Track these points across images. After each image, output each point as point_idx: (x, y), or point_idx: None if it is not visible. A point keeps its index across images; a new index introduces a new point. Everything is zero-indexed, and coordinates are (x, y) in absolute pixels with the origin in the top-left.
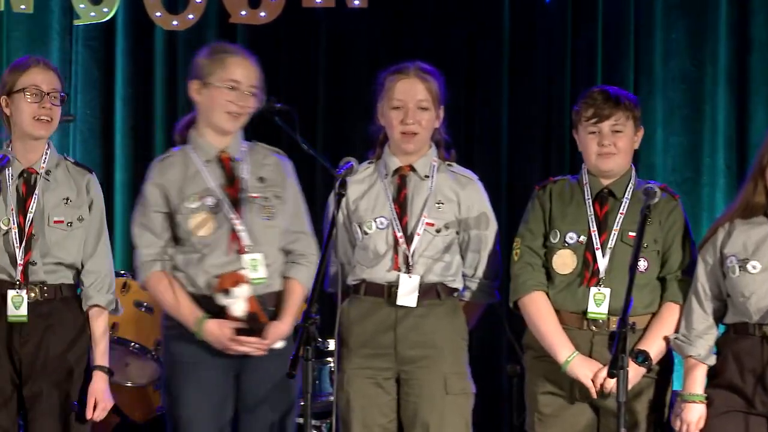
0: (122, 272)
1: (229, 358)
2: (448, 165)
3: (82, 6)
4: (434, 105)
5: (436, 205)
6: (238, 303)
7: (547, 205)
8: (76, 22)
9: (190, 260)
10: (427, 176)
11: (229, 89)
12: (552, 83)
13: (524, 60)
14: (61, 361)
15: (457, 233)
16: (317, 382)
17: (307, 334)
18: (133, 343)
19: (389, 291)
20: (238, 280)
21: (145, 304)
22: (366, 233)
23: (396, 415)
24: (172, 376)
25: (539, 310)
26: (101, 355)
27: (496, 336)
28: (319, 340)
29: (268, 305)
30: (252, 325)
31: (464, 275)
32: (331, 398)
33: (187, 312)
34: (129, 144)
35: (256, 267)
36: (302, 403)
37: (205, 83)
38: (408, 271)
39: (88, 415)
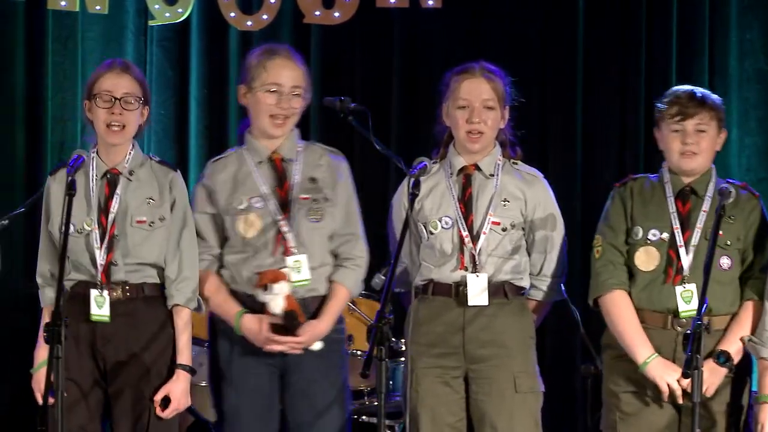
0: None
1: (272, 356)
2: (514, 164)
3: (156, 6)
4: (499, 105)
5: (502, 203)
6: (276, 300)
7: (628, 202)
8: (151, 23)
9: (237, 260)
10: (492, 175)
11: (271, 93)
12: (626, 83)
13: (598, 59)
14: (144, 359)
15: (524, 231)
16: (391, 381)
17: (381, 334)
18: (207, 342)
19: (457, 290)
20: (277, 277)
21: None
22: (431, 233)
23: (465, 414)
24: (218, 373)
25: (619, 310)
26: (184, 353)
27: (569, 336)
28: (393, 339)
29: (311, 308)
30: (287, 323)
31: (531, 273)
32: (402, 398)
33: (227, 308)
34: (203, 144)
35: (299, 269)
36: (376, 403)
37: (250, 88)
38: (474, 270)
39: (158, 411)
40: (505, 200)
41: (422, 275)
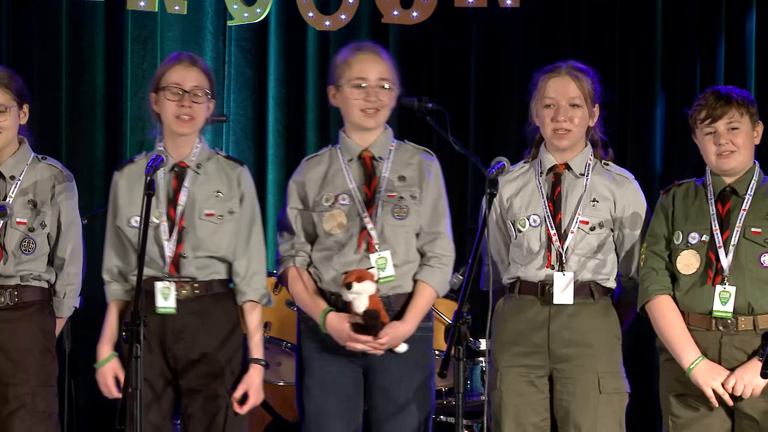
0: (274, 272)
1: (357, 356)
2: (605, 164)
3: (235, 7)
4: (587, 103)
5: (591, 203)
6: (360, 298)
7: (669, 208)
8: (230, 23)
9: (323, 257)
10: (582, 174)
11: (358, 88)
12: (706, 80)
13: (677, 57)
14: (216, 357)
15: (612, 232)
16: (468, 381)
17: (459, 334)
18: (285, 342)
19: (543, 289)
20: (362, 276)
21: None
22: (520, 231)
23: (549, 414)
24: (303, 371)
25: (664, 315)
26: (256, 348)
27: (649, 336)
28: (471, 339)
29: (396, 307)
30: (368, 323)
31: (619, 274)
32: (482, 398)
33: (313, 306)
34: (281, 144)
35: (384, 266)
36: (453, 403)
37: (337, 87)
38: (561, 268)
39: (235, 406)
40: (594, 200)
41: (510, 273)
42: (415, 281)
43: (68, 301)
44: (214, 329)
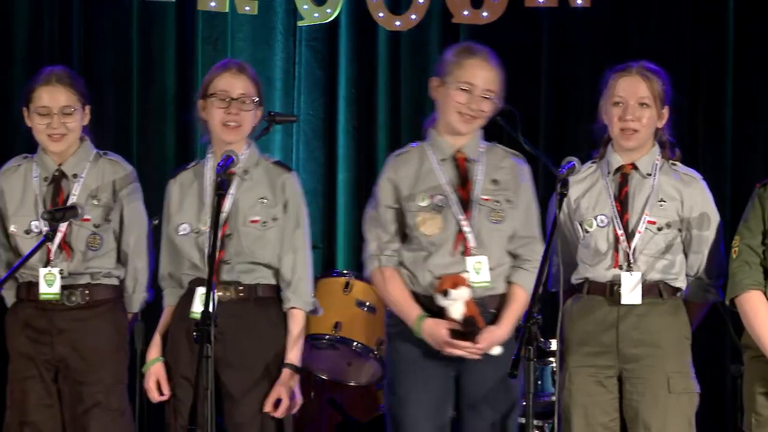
0: (345, 272)
1: (449, 359)
2: (672, 164)
3: (305, 7)
4: (656, 104)
5: (659, 203)
6: (456, 305)
7: (766, 202)
8: (300, 23)
9: (415, 258)
10: (649, 174)
11: (463, 91)
12: None
13: (749, 57)
14: (255, 360)
15: (680, 232)
16: (539, 382)
17: (529, 334)
18: (355, 343)
19: (611, 289)
20: (457, 282)
21: (367, 303)
22: (587, 231)
23: (618, 414)
24: (395, 375)
25: (754, 310)
26: (295, 354)
27: (719, 336)
28: (541, 339)
29: (490, 308)
30: (466, 329)
31: (687, 274)
32: (553, 398)
33: (408, 309)
34: (351, 144)
35: (479, 270)
36: (524, 403)
37: (443, 82)
38: (629, 268)
39: (267, 408)
40: (661, 200)
41: (578, 274)
42: (509, 283)
43: (137, 296)
44: (255, 333)
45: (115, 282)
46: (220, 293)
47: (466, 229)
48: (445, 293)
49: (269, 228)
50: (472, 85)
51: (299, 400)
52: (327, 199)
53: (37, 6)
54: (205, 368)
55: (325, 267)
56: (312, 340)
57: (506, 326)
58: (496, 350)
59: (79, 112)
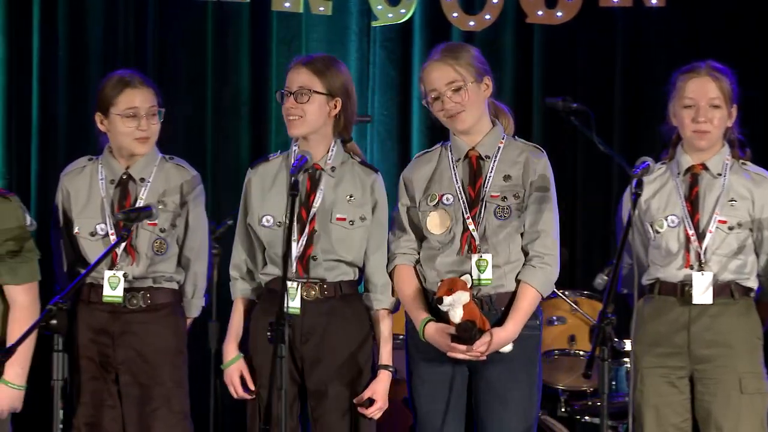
0: None
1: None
2: (743, 164)
3: (379, 7)
4: (726, 103)
5: (729, 203)
6: (454, 309)
7: None
8: (374, 24)
9: (427, 257)
10: (719, 174)
11: (433, 99)
12: None
13: None
14: (344, 359)
15: (751, 232)
16: (614, 382)
17: (604, 334)
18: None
19: (682, 289)
20: (453, 287)
21: None
22: (658, 232)
23: (690, 415)
24: (412, 371)
25: None
26: (387, 354)
27: None
28: (616, 340)
29: (498, 305)
30: (464, 335)
31: (758, 275)
32: (627, 399)
33: (415, 312)
34: (425, 144)
35: (483, 268)
36: (599, 404)
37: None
38: (700, 269)
39: (362, 410)
40: (732, 200)
41: (649, 274)
42: (518, 281)
43: (196, 301)
44: (342, 331)
45: (175, 286)
46: (304, 292)
47: (471, 227)
48: (440, 301)
49: (356, 227)
50: (435, 90)
51: (387, 402)
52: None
53: (112, 7)
54: (279, 368)
55: None
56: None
57: (511, 326)
58: (506, 348)
59: (160, 114)
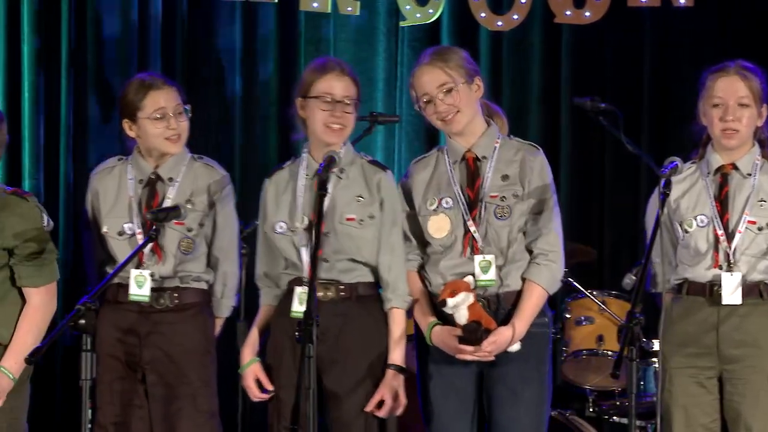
0: None
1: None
2: None
3: (407, 7)
4: (756, 103)
5: (759, 203)
6: (459, 312)
7: None
8: (402, 24)
9: (429, 261)
10: (749, 174)
11: (426, 103)
12: None
13: None
14: (359, 360)
15: None
16: (642, 382)
17: (632, 335)
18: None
19: (710, 290)
20: (456, 289)
21: None
22: (687, 231)
23: (719, 415)
24: (422, 373)
25: None
26: (399, 354)
27: None
28: (644, 340)
29: (506, 305)
30: (470, 336)
31: None
32: (655, 399)
33: (422, 317)
34: None
35: (487, 269)
36: (627, 403)
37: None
38: (729, 269)
39: (368, 408)
40: (762, 200)
41: (677, 274)
42: (523, 280)
43: (226, 301)
44: (358, 332)
45: (204, 286)
46: (320, 293)
47: (472, 228)
48: (443, 304)
49: (366, 226)
50: (427, 94)
51: (403, 401)
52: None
53: (142, 6)
54: (307, 368)
55: None
56: (413, 340)
57: (517, 325)
58: (514, 347)
59: (186, 112)
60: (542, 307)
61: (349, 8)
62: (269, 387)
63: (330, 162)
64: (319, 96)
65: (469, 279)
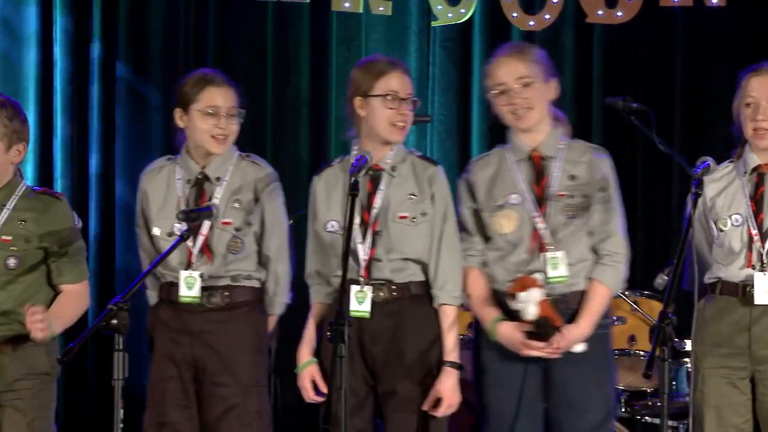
0: None
1: (533, 357)
2: None
3: (439, 7)
4: None
5: None
6: (528, 307)
7: None
8: (434, 24)
9: (495, 257)
10: None
11: (499, 93)
12: None
13: None
14: (414, 359)
15: None
16: (674, 382)
17: (664, 335)
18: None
19: (743, 290)
20: (526, 284)
21: None
22: (721, 230)
23: (751, 416)
24: (481, 373)
25: None
26: (450, 351)
27: None
28: (676, 340)
29: (571, 304)
30: (540, 330)
31: None
32: (687, 399)
33: (485, 312)
34: (485, 145)
35: (556, 265)
36: (659, 404)
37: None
38: (762, 269)
39: (425, 407)
40: None
41: (711, 273)
42: (589, 280)
43: (278, 299)
44: (412, 331)
45: (256, 284)
46: (373, 294)
47: (541, 225)
48: (513, 297)
49: (419, 223)
50: (503, 84)
51: (458, 398)
52: (452, 198)
53: (173, 8)
54: (339, 368)
55: None
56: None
57: (584, 324)
58: (579, 347)
59: (240, 116)
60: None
61: (381, 8)
62: (324, 389)
63: (361, 162)
64: (383, 95)
65: (538, 276)
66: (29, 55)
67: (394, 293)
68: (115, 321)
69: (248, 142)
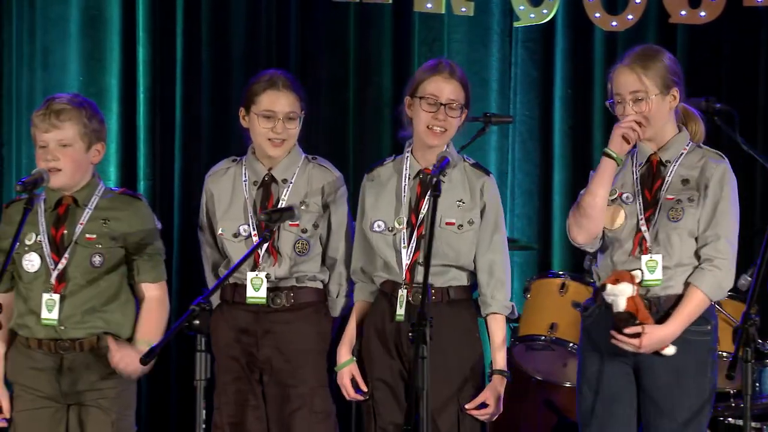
0: (560, 273)
1: (625, 355)
2: None
3: (521, 8)
4: None
5: None
6: (618, 300)
7: None
8: (516, 24)
9: (601, 255)
10: None
11: (616, 103)
12: None
13: None
14: (448, 362)
15: None
16: (757, 384)
17: (747, 336)
18: (571, 344)
19: None
20: (619, 278)
21: (581, 304)
22: None
23: None
24: (580, 373)
25: None
26: (501, 359)
27: None
28: (759, 341)
29: (665, 307)
30: (620, 324)
31: None
32: None
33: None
34: (567, 145)
35: (653, 268)
36: (742, 405)
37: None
38: None
39: (470, 407)
40: None
41: None
42: (687, 284)
43: (341, 301)
44: (446, 336)
45: (320, 285)
46: (410, 297)
47: (644, 228)
48: (603, 288)
49: (465, 231)
50: (619, 95)
51: (501, 407)
52: (542, 199)
53: (255, 9)
54: (421, 369)
55: (540, 268)
56: (528, 341)
57: (672, 326)
58: (669, 350)
59: (299, 119)
60: (705, 315)
61: (463, 9)
62: (364, 388)
63: (443, 163)
64: (425, 96)
65: (636, 273)
66: (113, 53)
67: (433, 297)
68: (197, 321)
69: (330, 143)
